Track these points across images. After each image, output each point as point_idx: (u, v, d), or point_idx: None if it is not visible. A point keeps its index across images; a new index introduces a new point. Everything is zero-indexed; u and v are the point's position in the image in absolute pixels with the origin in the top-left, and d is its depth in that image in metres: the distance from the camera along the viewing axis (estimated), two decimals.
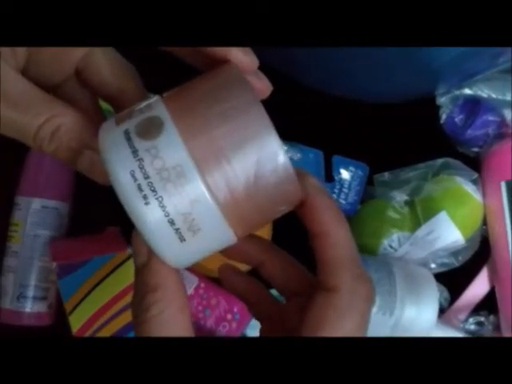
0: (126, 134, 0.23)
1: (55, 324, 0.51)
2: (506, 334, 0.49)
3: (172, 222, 0.22)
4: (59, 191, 0.50)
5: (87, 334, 0.45)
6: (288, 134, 0.51)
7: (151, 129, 0.23)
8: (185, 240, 0.23)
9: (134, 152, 0.22)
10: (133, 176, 0.22)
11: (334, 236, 0.25)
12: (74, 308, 0.45)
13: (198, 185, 0.22)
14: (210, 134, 0.23)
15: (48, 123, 0.26)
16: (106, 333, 0.45)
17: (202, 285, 0.49)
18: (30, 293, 0.49)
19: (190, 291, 0.49)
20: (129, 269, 0.46)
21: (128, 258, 0.46)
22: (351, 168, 0.51)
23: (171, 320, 0.24)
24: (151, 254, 0.24)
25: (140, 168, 0.22)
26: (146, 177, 0.22)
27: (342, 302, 0.25)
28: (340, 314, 0.25)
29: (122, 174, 0.22)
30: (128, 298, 0.45)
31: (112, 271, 0.46)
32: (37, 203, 0.49)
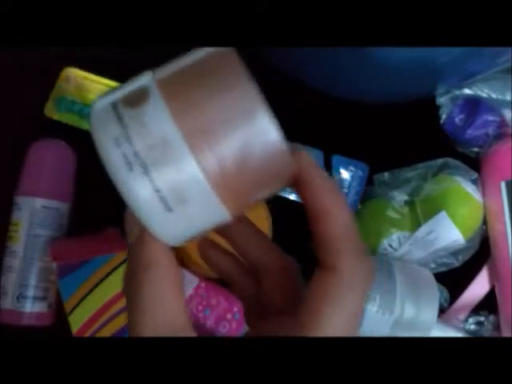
0: (113, 103, 0.23)
1: (55, 324, 0.51)
2: (506, 333, 0.49)
3: (158, 190, 0.22)
4: (59, 191, 0.50)
5: (87, 334, 0.45)
6: (288, 134, 0.51)
7: (138, 97, 0.23)
8: (171, 210, 0.22)
9: (119, 119, 0.22)
10: (117, 143, 0.22)
11: (333, 212, 0.25)
12: (74, 308, 0.45)
13: (184, 153, 0.22)
14: (198, 105, 0.22)
15: None
16: (105, 333, 0.45)
17: (202, 285, 0.49)
18: (30, 293, 0.49)
19: (190, 291, 0.49)
20: None
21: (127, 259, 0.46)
22: (351, 168, 0.51)
23: (164, 299, 0.24)
24: (143, 231, 0.24)
25: (124, 135, 0.22)
26: (131, 144, 0.22)
27: (343, 281, 0.24)
28: (341, 292, 0.24)
29: (107, 140, 0.22)
30: None
31: (111, 271, 0.46)
32: (37, 203, 0.49)
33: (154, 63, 0.47)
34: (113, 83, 0.51)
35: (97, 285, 0.45)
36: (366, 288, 0.25)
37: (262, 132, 0.23)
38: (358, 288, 0.24)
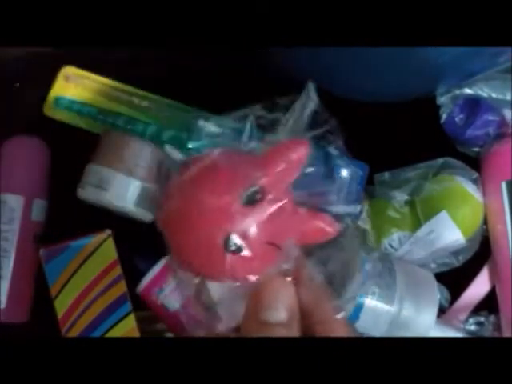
0: None
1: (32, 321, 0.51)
2: (507, 334, 0.49)
3: None
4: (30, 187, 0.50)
5: (71, 318, 0.46)
6: None
7: None
8: None
9: None
10: None
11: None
12: (59, 292, 0.46)
13: None
14: None
15: None
16: (88, 317, 0.46)
17: None
18: None
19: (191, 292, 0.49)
20: (108, 249, 0.46)
21: (107, 238, 0.46)
22: (351, 167, 0.51)
23: None
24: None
25: None
26: None
27: None
28: None
29: None
30: (108, 278, 0.46)
31: (90, 255, 0.46)
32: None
33: (153, 63, 0.47)
34: (112, 83, 0.51)
35: (78, 268, 0.46)
36: None
37: None
38: None
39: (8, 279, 0.49)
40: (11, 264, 0.49)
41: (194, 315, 0.49)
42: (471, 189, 0.49)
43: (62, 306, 0.46)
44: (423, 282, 0.46)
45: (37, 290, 0.50)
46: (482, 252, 0.50)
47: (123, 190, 0.45)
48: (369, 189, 0.52)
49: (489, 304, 0.51)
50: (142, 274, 0.48)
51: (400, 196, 0.50)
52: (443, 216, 0.47)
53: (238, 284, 0.25)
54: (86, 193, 0.46)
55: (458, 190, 0.49)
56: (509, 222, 0.48)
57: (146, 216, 0.47)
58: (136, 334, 0.45)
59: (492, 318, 0.50)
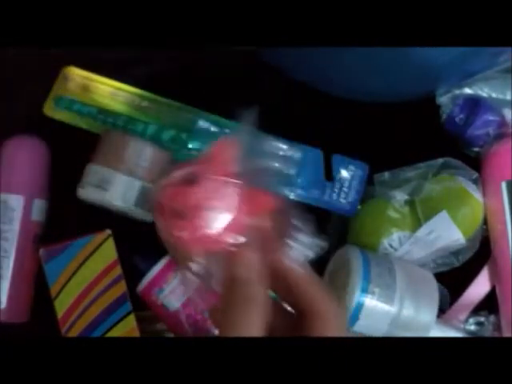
0: None
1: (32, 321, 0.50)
2: (507, 334, 0.49)
3: None
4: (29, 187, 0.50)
5: (71, 318, 0.46)
6: (288, 134, 0.51)
7: None
8: None
9: None
10: None
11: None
12: (59, 292, 0.46)
13: None
14: None
15: None
16: (88, 317, 0.46)
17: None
18: None
19: (192, 293, 0.49)
20: (108, 249, 0.46)
21: (107, 238, 0.46)
22: (351, 167, 0.51)
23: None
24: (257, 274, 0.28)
25: None
26: None
27: (339, 320, 0.29)
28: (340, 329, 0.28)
29: None
30: (108, 278, 0.46)
31: (91, 254, 0.46)
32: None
33: (153, 63, 0.47)
34: (112, 83, 0.51)
35: (78, 268, 0.46)
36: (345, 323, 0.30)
37: None
38: (344, 324, 0.30)
39: (8, 279, 0.49)
40: (11, 264, 0.49)
41: (194, 315, 0.49)
42: (471, 189, 0.49)
43: (61, 305, 0.46)
44: (423, 281, 0.46)
45: (37, 290, 0.50)
46: (482, 252, 0.50)
47: (123, 190, 0.45)
48: (369, 189, 0.52)
49: (489, 304, 0.51)
50: (142, 274, 0.48)
51: (400, 196, 0.50)
52: (443, 216, 0.47)
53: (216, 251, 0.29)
54: (86, 193, 0.46)
55: (458, 190, 0.49)
56: (509, 222, 0.48)
57: (145, 216, 0.47)
58: (136, 333, 0.45)
59: (492, 318, 0.50)
